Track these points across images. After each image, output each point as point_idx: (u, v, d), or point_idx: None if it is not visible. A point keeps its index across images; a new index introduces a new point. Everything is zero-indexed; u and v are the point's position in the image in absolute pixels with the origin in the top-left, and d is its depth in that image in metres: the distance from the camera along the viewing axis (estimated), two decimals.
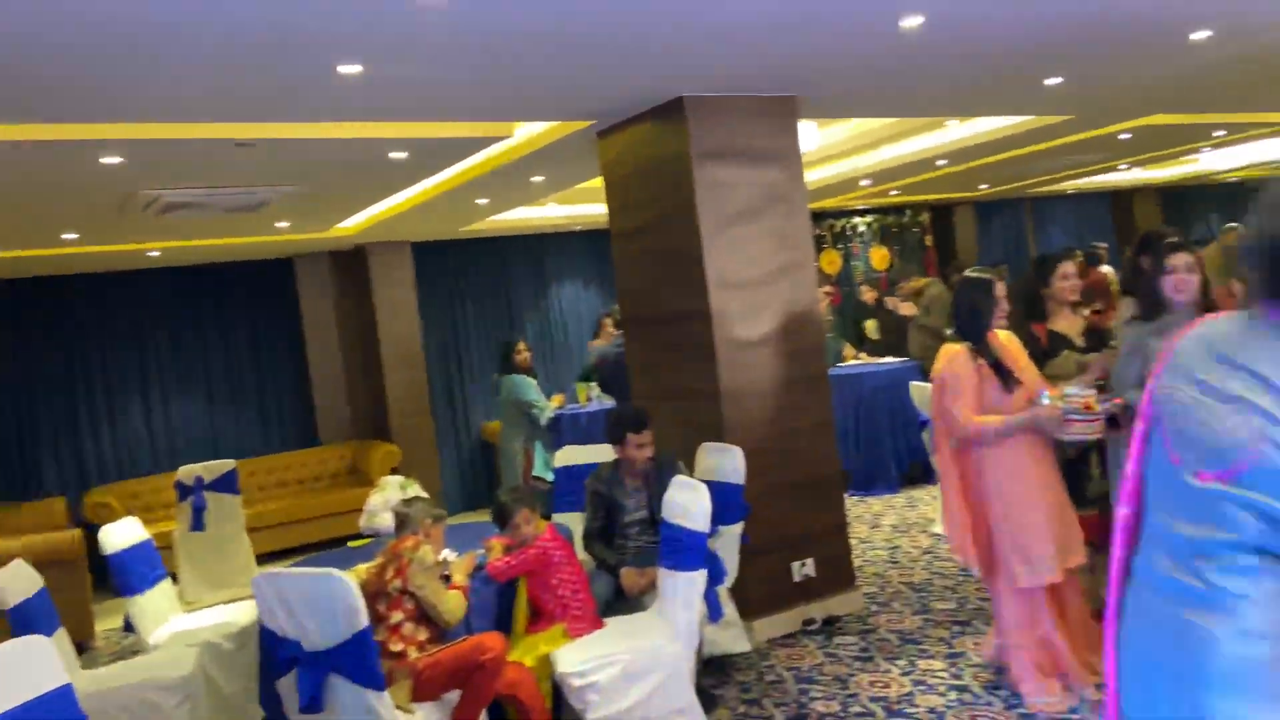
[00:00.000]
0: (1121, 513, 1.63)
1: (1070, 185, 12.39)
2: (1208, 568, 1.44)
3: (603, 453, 4.49)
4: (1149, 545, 1.58)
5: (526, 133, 5.28)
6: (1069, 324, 4.02)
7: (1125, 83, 5.73)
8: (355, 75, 3.62)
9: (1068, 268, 3.99)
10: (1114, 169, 10.89)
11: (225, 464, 5.93)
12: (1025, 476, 3.51)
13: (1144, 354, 3.33)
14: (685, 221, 4.65)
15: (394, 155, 5.14)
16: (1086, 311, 4.69)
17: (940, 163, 8.42)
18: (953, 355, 3.60)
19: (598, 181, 5.52)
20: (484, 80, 3.97)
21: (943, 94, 5.54)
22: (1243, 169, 12.82)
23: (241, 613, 4.30)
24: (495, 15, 3.20)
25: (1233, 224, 9.43)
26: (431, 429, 9.00)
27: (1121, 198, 13.81)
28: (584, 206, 8.56)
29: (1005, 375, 3.54)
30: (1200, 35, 4.73)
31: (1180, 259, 3.48)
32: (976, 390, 3.52)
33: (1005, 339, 3.69)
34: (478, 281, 9.55)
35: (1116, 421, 3.40)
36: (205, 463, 5.93)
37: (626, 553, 4.13)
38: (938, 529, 6.08)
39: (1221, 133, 8.90)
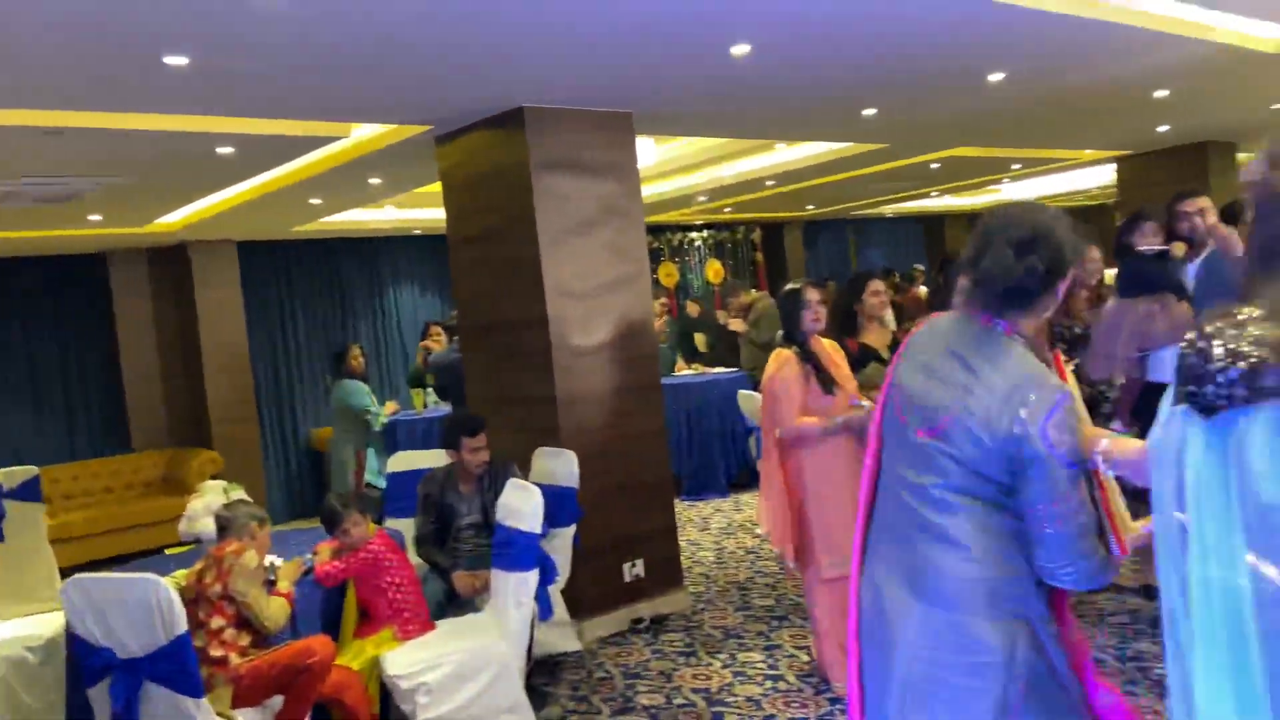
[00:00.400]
0: (867, 463, 2.06)
1: (889, 209, 13.23)
2: (929, 508, 1.86)
3: (436, 458, 4.49)
4: (886, 490, 2.00)
5: (363, 134, 5.22)
6: (877, 337, 4.34)
7: (933, 117, 6.23)
8: (182, 67, 3.51)
9: (876, 284, 4.31)
10: (926, 195, 11.72)
11: (27, 470, 5.51)
12: (836, 475, 3.77)
13: None
14: (524, 230, 4.72)
15: (221, 150, 4.98)
16: (914, 328, 5.07)
17: (770, 183, 8.85)
18: (783, 360, 3.83)
19: (437, 186, 5.52)
20: (318, 79, 3.93)
21: (771, 118, 5.86)
22: (1038, 200, 14.04)
23: (46, 625, 4.04)
24: (332, 16, 3.20)
25: None
26: (256, 435, 8.67)
27: (934, 222, 14.84)
28: (422, 211, 8.49)
29: (825, 379, 3.79)
30: (996, 77, 5.21)
31: (964, 279, 3.83)
32: (801, 393, 3.76)
33: (830, 347, 3.96)
34: (309, 284, 9.28)
35: None
36: (4, 469, 5.51)
37: (460, 556, 4.15)
38: (761, 530, 6.38)
39: (1018, 166, 9.74)
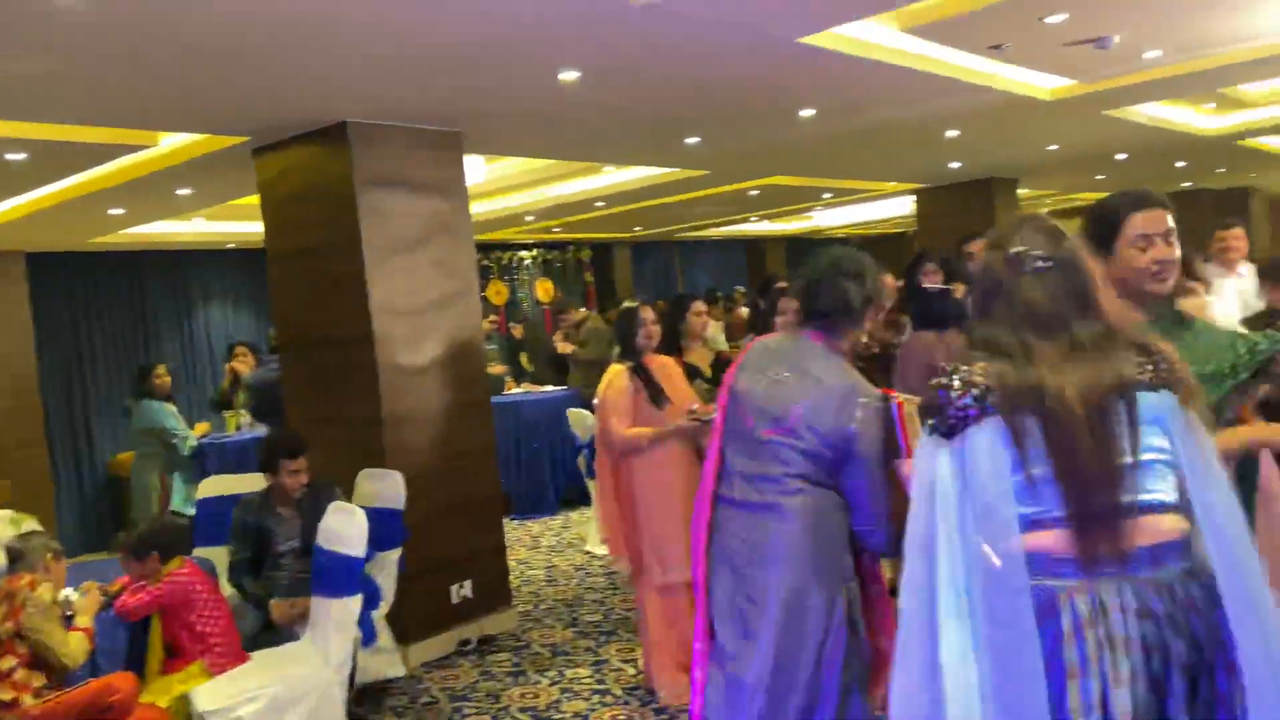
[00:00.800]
0: (709, 465, 2.52)
1: (713, 233, 13.70)
2: (766, 489, 2.37)
3: (250, 482, 4.32)
4: (728, 480, 2.48)
5: (173, 143, 4.98)
6: (700, 356, 4.52)
7: (751, 147, 6.54)
8: None
9: (699, 305, 4.49)
10: (747, 220, 12.22)
11: None
12: (666, 485, 3.89)
13: None
14: (348, 246, 4.62)
15: (11, 156, 4.62)
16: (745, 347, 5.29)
17: (599, 204, 9.00)
18: (615, 374, 3.95)
19: (253, 198, 5.31)
20: (122, 85, 3.72)
21: (598, 142, 5.99)
22: (847, 226, 14.92)
23: None
24: (135, 18, 3.05)
25: None
26: (46, 461, 8.01)
27: (755, 246, 15.47)
28: (236, 224, 8.12)
29: (655, 392, 3.91)
30: (807, 113, 5.54)
31: (789, 302, 4.07)
32: (631, 405, 3.87)
33: (666, 362, 4.09)
34: (109, 299, 8.68)
35: None
36: None
37: (278, 583, 4.00)
38: (590, 547, 6.46)
39: (829, 195, 10.34)
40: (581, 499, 7.53)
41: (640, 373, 3.93)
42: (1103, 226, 2.02)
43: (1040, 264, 1.64)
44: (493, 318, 9.89)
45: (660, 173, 7.72)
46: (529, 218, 9.50)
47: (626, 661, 4.39)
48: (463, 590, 4.88)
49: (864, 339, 2.58)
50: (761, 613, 2.34)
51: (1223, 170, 11.00)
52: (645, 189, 8.18)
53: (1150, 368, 1.60)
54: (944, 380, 1.63)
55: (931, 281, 4.44)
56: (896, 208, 12.12)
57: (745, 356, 2.51)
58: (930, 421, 1.65)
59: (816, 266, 2.44)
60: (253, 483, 4.27)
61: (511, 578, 5.43)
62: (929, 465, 1.64)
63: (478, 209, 8.26)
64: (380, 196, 4.67)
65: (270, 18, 3.16)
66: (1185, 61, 5.28)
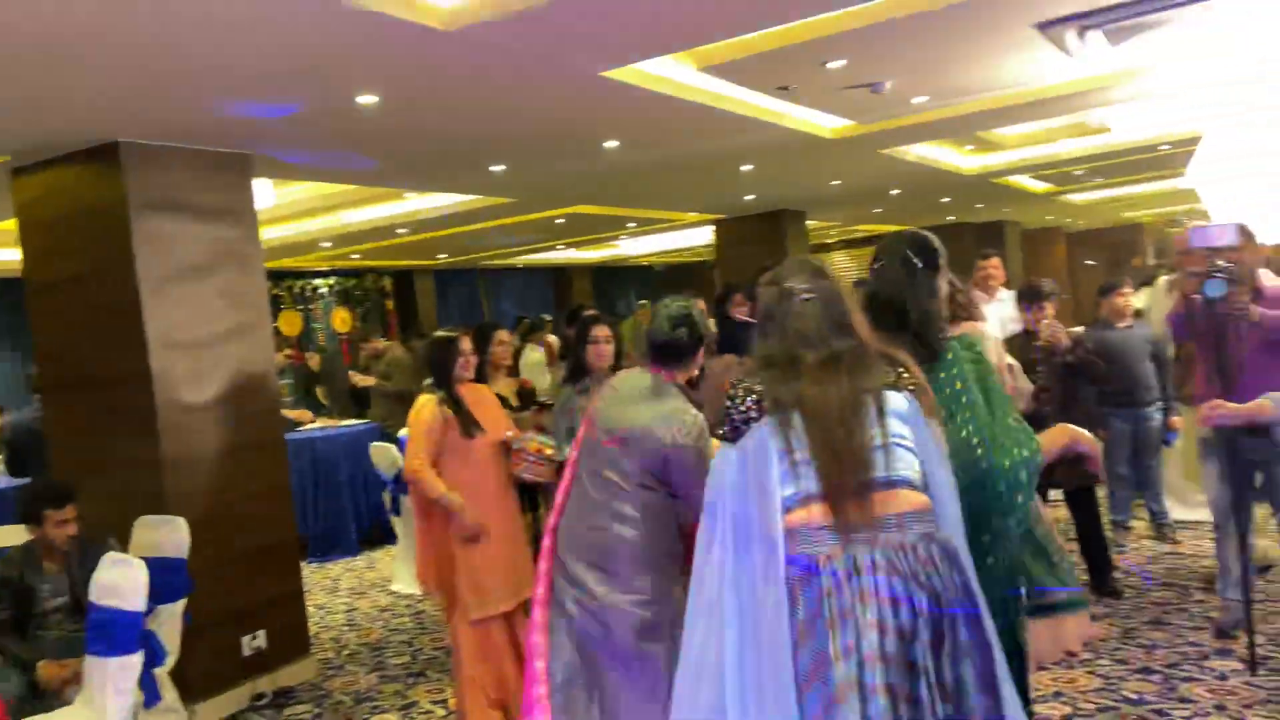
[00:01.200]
0: (568, 473, 2.92)
1: (519, 260, 13.69)
2: (609, 496, 2.77)
3: (9, 535, 3.91)
4: (577, 488, 2.88)
5: None
6: (505, 385, 4.49)
7: (556, 176, 6.60)
8: None
9: (502, 335, 4.47)
10: (554, 248, 12.30)
11: None
12: (482, 517, 3.79)
13: (571, 411, 3.85)
14: (121, 275, 4.28)
15: None
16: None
17: (400, 231, 8.79)
18: (422, 405, 3.81)
19: (10, 223, 4.82)
20: None
21: (400, 168, 5.86)
22: (652, 255, 15.31)
23: None
24: None
25: (644, 301, 11.29)
26: None
27: (562, 274, 15.59)
28: None
29: (466, 422, 3.81)
30: (611, 144, 5.65)
31: (600, 331, 4.10)
32: (438, 436, 3.75)
33: (482, 391, 4.00)
34: None
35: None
36: None
37: (45, 644, 3.63)
38: (396, 586, 6.24)
39: (633, 224, 10.57)
40: (386, 537, 7.25)
41: (452, 403, 3.84)
42: (935, 256, 2.46)
43: (805, 295, 2.01)
44: (288, 351, 9.41)
45: (465, 199, 7.64)
46: (325, 244, 9.16)
47: (436, 703, 4.25)
48: (255, 641, 4.58)
49: (697, 371, 3.02)
50: (610, 606, 2.71)
51: (981, 205, 12.12)
52: (449, 215, 8.07)
53: (895, 374, 1.99)
54: (730, 394, 1.98)
55: (740, 312, 4.66)
56: (697, 237, 12.56)
57: (608, 385, 3.00)
58: (721, 431, 1.97)
59: (656, 316, 2.90)
60: (12, 536, 3.87)
61: (310, 624, 5.16)
62: (720, 467, 2.00)
63: (268, 234, 7.88)
64: (158, 222, 4.35)
65: (31, 27, 2.89)
66: (948, 106, 5.79)
